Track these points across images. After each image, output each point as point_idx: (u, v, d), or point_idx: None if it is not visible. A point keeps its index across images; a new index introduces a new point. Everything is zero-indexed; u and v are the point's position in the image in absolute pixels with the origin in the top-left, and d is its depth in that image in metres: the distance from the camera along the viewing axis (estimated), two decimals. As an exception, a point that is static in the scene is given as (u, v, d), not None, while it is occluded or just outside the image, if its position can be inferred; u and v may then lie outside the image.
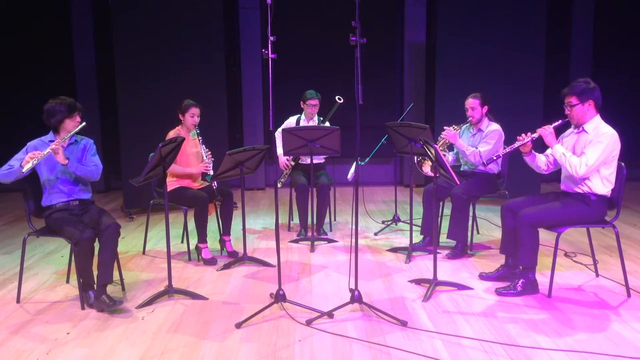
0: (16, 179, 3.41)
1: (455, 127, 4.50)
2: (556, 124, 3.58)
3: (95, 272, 3.45)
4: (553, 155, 3.59)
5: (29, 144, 3.55)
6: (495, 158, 3.77)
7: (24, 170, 3.28)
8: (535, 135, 3.59)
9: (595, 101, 3.46)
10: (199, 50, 6.25)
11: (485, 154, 4.40)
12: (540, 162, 3.72)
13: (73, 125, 3.54)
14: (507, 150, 3.68)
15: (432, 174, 3.73)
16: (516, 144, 3.61)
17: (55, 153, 3.37)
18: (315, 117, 5.30)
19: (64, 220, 3.46)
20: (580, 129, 3.53)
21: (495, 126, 4.48)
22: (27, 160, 3.28)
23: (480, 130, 4.53)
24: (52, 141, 3.50)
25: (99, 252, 3.42)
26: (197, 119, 4.46)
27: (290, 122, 5.34)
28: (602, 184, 3.48)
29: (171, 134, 4.42)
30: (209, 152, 4.46)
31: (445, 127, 4.49)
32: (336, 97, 5.12)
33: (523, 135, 3.60)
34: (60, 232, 3.46)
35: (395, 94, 8.12)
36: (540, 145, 3.74)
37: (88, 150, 3.69)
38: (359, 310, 3.32)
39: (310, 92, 5.22)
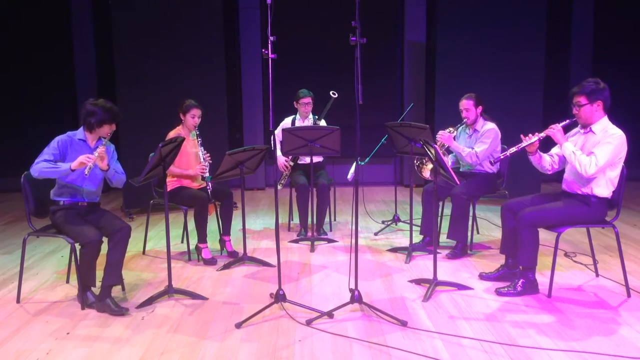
0: (57, 177, 3.42)
1: (451, 129, 4.51)
2: (564, 123, 3.54)
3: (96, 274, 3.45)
4: (562, 152, 3.53)
5: (57, 138, 3.48)
6: (502, 157, 3.72)
7: (86, 172, 3.29)
8: (542, 135, 3.54)
9: (604, 102, 3.43)
10: (199, 50, 6.25)
11: (481, 154, 4.40)
12: (545, 162, 3.69)
13: (109, 130, 3.53)
14: (514, 149, 3.61)
15: (433, 179, 3.72)
16: (523, 144, 3.55)
17: (102, 159, 3.38)
18: (310, 116, 5.28)
19: (71, 219, 3.45)
20: (588, 129, 3.49)
21: (490, 125, 4.48)
22: (82, 162, 3.27)
23: (476, 130, 4.53)
24: (81, 140, 3.52)
25: (108, 254, 3.41)
26: (197, 120, 4.45)
27: (286, 123, 5.34)
28: (606, 186, 3.46)
29: (171, 134, 4.42)
30: (207, 155, 4.41)
31: (440, 132, 4.49)
32: (330, 92, 5.10)
33: (530, 134, 3.56)
34: (66, 231, 3.44)
35: (395, 94, 8.12)
36: (544, 145, 3.71)
37: (112, 156, 3.68)
38: (359, 310, 3.32)
39: (302, 90, 5.21)
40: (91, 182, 3.56)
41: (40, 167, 3.33)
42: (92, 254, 3.34)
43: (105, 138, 3.51)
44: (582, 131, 3.57)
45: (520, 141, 3.58)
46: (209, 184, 4.35)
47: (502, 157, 3.72)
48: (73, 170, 3.32)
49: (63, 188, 3.53)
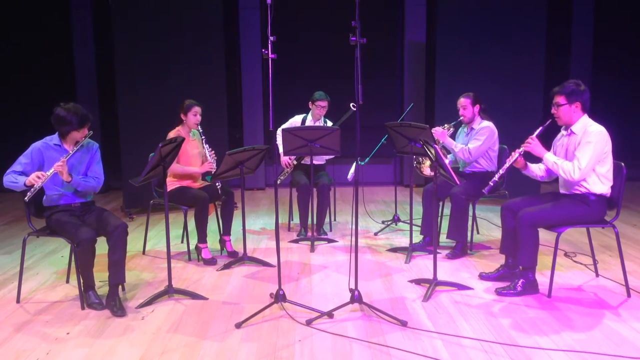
0: (18, 190, 3.42)
1: (447, 125, 4.54)
2: (538, 132, 3.59)
3: (95, 273, 3.46)
4: (545, 164, 3.60)
5: (33, 146, 3.49)
6: (492, 184, 3.69)
7: (26, 197, 3.28)
8: (521, 150, 3.58)
9: (583, 104, 3.48)
10: (199, 51, 6.26)
11: (474, 150, 4.42)
12: (539, 170, 3.74)
13: (80, 136, 3.50)
14: (502, 172, 3.68)
15: (433, 174, 3.73)
16: (507, 164, 3.62)
17: (61, 173, 3.36)
18: (322, 119, 5.27)
19: (65, 220, 3.46)
20: (569, 131, 3.54)
21: (486, 123, 4.48)
22: (31, 181, 3.27)
23: (472, 129, 4.55)
24: (57, 145, 3.50)
25: (109, 253, 3.41)
26: (199, 118, 4.45)
27: (296, 121, 5.31)
28: (600, 182, 3.48)
29: (171, 135, 4.41)
30: (213, 152, 4.43)
31: (435, 128, 4.51)
32: (351, 105, 5.10)
33: (512, 153, 3.61)
34: (61, 232, 3.45)
35: (395, 94, 8.13)
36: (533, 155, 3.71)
37: (94, 156, 3.65)
38: (359, 310, 3.32)
39: (319, 93, 5.17)
40: (59, 187, 3.53)
41: (6, 179, 3.39)
42: (86, 253, 3.35)
43: (79, 142, 3.47)
44: (565, 133, 3.61)
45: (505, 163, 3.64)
46: (218, 182, 4.34)
47: (491, 184, 3.69)
48: (28, 187, 3.30)
49: (51, 195, 3.54)
